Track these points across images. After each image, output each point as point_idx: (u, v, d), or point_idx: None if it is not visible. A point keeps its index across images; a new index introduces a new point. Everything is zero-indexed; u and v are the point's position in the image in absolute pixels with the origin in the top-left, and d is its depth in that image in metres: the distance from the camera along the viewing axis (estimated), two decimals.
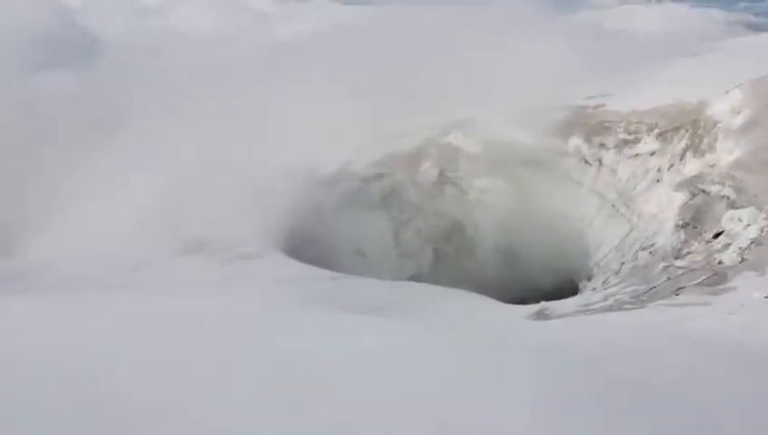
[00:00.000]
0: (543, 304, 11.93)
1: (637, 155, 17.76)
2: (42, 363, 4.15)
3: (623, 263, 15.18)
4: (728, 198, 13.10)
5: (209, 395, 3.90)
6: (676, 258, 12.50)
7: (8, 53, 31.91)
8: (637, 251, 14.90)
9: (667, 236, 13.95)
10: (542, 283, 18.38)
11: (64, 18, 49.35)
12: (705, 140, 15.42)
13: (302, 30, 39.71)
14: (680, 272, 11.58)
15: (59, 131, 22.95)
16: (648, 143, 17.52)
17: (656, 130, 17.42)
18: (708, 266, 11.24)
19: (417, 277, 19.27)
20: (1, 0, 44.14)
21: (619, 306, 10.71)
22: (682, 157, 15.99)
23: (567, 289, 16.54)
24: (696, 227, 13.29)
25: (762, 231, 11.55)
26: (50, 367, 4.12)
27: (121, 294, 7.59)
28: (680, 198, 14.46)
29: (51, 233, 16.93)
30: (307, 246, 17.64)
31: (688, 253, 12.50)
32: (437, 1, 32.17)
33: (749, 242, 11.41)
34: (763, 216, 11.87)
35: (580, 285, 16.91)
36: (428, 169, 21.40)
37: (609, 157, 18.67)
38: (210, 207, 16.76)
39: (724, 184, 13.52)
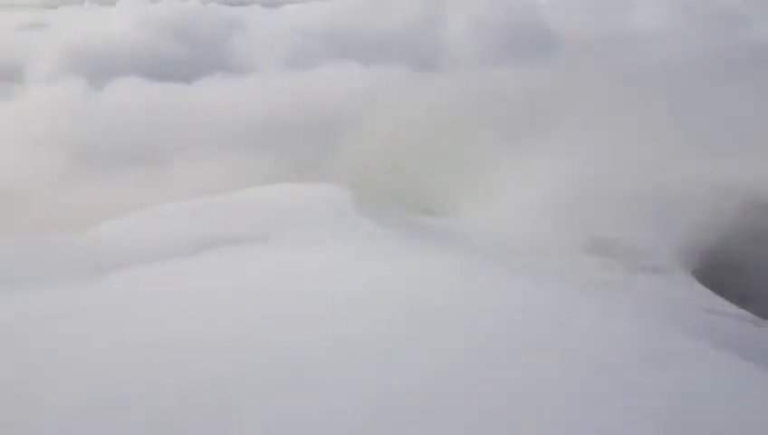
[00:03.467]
0: None
1: None
2: None
3: None
4: None
5: None
6: None
7: (477, 45, 37.26)
8: None
9: None
10: None
11: (530, 13, 54.45)
12: None
13: None
14: None
15: (506, 116, 25.95)
16: None
17: None
18: None
19: None
20: None
21: None
22: None
23: None
24: None
25: None
26: None
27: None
28: None
29: (474, 200, 19.46)
30: (728, 274, 15.83)
31: None
32: None
33: None
34: None
35: None
36: None
37: None
38: (618, 210, 16.68)
39: None
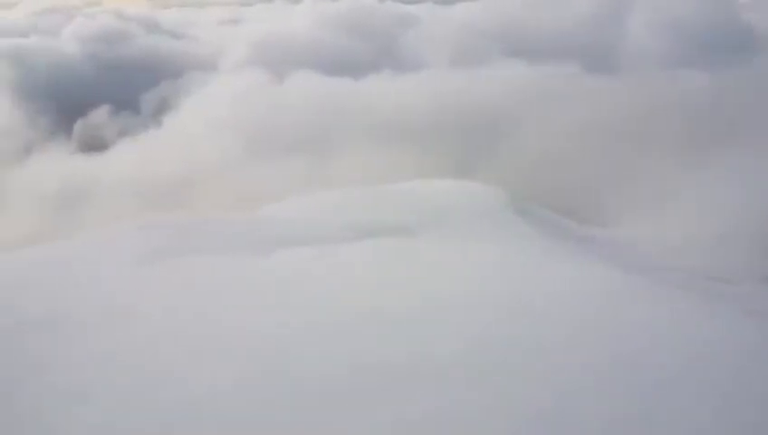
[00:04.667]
0: None
1: None
2: None
3: None
4: None
5: None
6: None
7: (662, 44, 34.44)
8: None
9: None
10: None
11: (728, 9, 49.44)
12: None
13: None
14: None
15: (691, 124, 23.81)
16: None
17: None
18: None
19: None
20: None
21: None
22: None
23: None
24: None
25: None
26: None
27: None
28: None
29: (640, 214, 18.08)
30: None
31: None
32: None
33: None
34: None
35: None
36: None
37: None
38: None
39: None
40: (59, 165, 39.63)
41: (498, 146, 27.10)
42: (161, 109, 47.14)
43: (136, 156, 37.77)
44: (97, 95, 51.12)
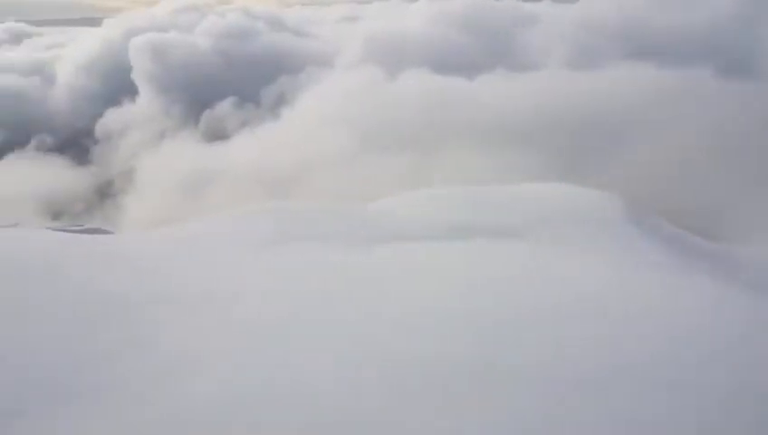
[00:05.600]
0: None
1: None
2: None
3: None
4: None
5: None
6: None
7: None
8: None
9: None
10: None
11: None
12: None
13: None
14: None
15: None
16: None
17: None
18: None
19: None
20: None
21: None
22: None
23: None
24: None
25: None
26: None
27: None
28: None
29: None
30: None
31: None
32: None
33: None
34: None
35: None
36: None
37: None
38: None
39: None
40: (186, 152, 42.64)
41: (617, 152, 25.91)
42: (280, 102, 49.34)
43: (255, 146, 39.80)
44: (223, 88, 54.42)
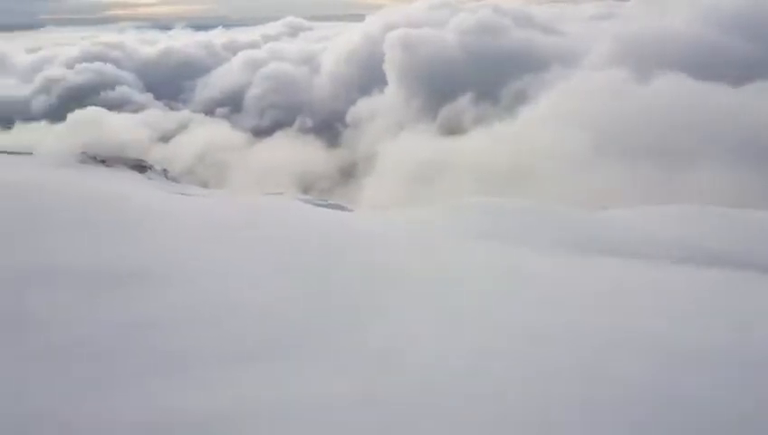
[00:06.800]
0: None
1: None
2: None
3: None
4: None
5: None
6: None
7: None
8: None
9: None
10: None
11: None
12: None
13: None
14: None
15: None
16: None
17: None
18: None
19: None
20: None
21: None
22: None
23: None
24: None
25: None
26: None
27: None
28: None
29: None
30: None
31: None
32: None
33: None
34: None
35: None
36: None
37: None
38: None
39: None
40: (423, 143, 44.76)
41: None
42: (519, 100, 49.09)
43: (489, 143, 40.30)
44: (463, 84, 55.86)
